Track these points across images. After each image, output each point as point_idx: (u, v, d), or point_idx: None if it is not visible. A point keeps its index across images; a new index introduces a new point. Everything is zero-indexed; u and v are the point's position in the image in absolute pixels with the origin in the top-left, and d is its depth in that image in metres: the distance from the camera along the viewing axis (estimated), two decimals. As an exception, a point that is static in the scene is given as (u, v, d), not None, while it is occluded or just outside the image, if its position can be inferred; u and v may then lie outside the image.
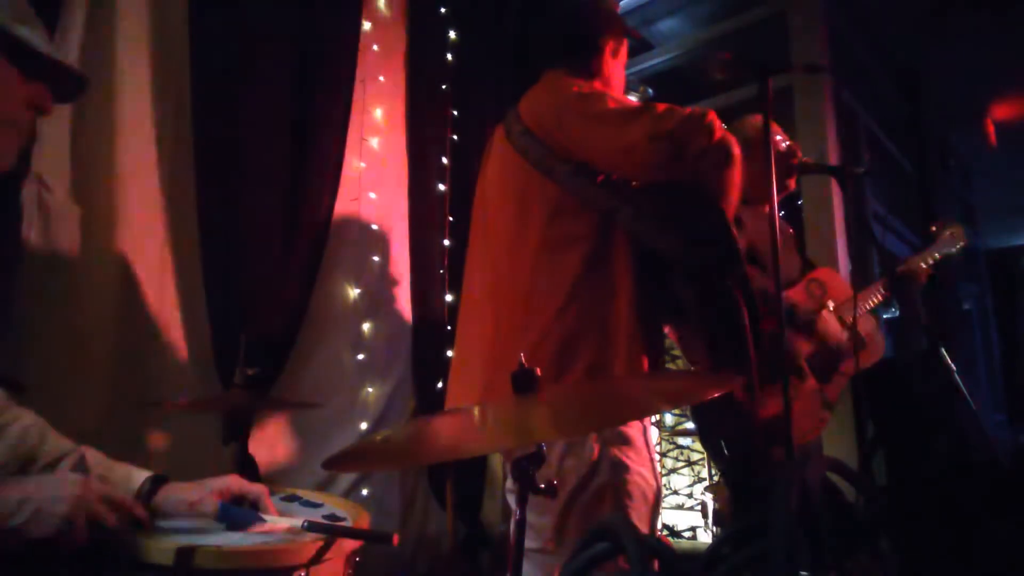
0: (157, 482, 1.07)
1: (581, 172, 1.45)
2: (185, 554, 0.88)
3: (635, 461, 1.40)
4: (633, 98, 1.70)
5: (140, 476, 1.07)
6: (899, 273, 2.06)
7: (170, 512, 1.05)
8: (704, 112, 1.37)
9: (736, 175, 1.40)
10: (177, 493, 1.06)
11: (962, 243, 2.27)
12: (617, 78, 1.69)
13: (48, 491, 0.88)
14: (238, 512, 1.06)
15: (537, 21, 1.83)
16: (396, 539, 1.00)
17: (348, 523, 1.14)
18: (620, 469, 1.38)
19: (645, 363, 1.42)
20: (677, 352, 2.94)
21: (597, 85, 1.58)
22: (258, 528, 1.05)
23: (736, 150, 1.38)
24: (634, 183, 1.46)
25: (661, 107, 1.39)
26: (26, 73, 1.00)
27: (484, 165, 1.73)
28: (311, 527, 1.02)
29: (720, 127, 1.37)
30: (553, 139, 1.48)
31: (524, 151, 1.53)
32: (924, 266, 2.14)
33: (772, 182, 1.50)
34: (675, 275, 1.43)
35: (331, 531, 1.02)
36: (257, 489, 1.11)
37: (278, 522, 1.07)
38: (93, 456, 1.07)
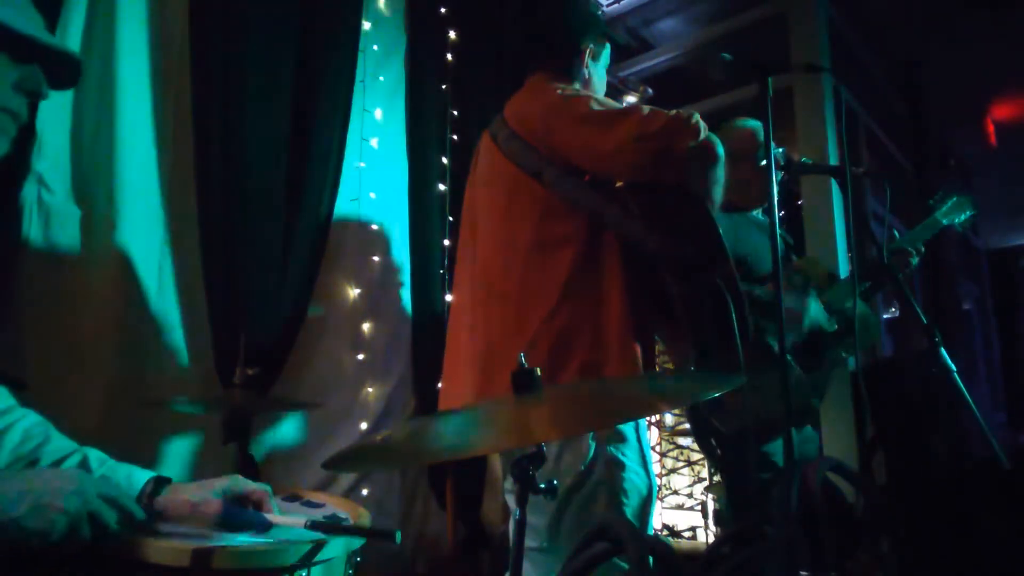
0: (160, 483, 1.06)
1: (569, 174, 1.46)
2: (202, 555, 0.88)
3: (630, 458, 1.41)
4: (633, 98, 1.71)
5: (143, 476, 1.07)
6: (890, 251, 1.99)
7: (173, 513, 1.04)
8: (689, 114, 1.39)
9: (720, 174, 1.42)
10: (180, 494, 1.05)
11: (970, 212, 2.10)
12: (598, 81, 1.70)
13: (48, 484, 0.87)
14: (241, 513, 1.06)
15: (519, 26, 1.83)
16: (399, 536, 1.01)
17: (349, 523, 1.14)
18: (615, 466, 1.39)
19: (638, 361, 1.43)
20: (677, 352, 2.94)
21: (579, 89, 1.59)
22: (261, 528, 1.05)
23: (720, 150, 1.41)
24: (620, 183, 1.47)
25: (646, 109, 1.41)
26: (14, 56, 0.97)
27: (472, 171, 1.74)
28: (314, 526, 1.02)
29: (704, 128, 1.39)
30: (541, 142, 1.49)
31: (512, 155, 1.54)
32: (912, 250, 2.07)
33: (772, 184, 1.50)
34: (664, 273, 1.44)
35: (334, 530, 1.02)
36: (260, 489, 1.11)
37: (280, 522, 1.07)
38: (96, 456, 1.07)
